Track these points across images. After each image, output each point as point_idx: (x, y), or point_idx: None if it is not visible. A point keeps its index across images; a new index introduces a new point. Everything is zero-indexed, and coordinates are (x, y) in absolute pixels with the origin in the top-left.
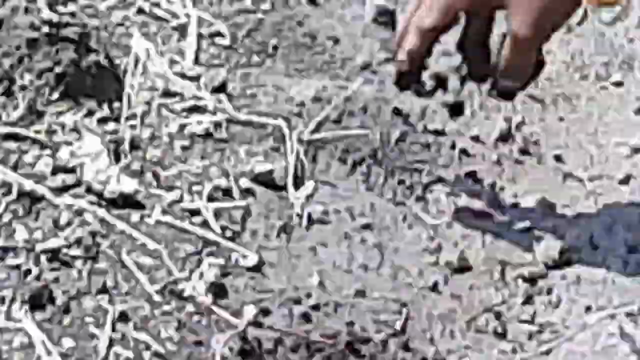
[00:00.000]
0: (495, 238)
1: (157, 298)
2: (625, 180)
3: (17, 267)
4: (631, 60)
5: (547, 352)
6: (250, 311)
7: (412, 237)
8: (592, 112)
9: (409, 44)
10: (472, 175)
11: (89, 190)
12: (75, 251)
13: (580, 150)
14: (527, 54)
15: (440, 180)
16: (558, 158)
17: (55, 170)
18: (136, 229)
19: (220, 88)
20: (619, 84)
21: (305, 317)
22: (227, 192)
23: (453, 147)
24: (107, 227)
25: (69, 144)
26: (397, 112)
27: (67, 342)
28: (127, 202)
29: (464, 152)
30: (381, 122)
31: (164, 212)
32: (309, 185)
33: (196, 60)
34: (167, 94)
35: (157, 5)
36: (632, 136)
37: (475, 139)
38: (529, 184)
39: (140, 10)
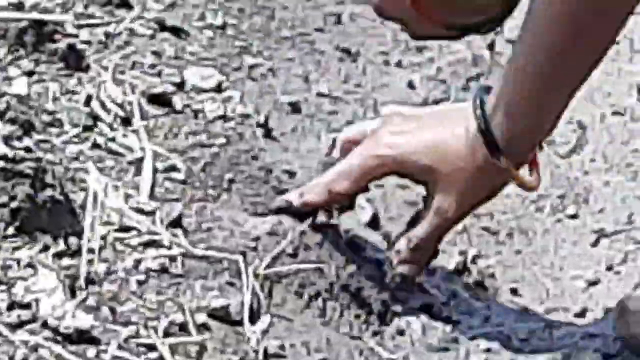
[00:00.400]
0: None
1: None
2: (582, 314)
3: None
4: (587, 193)
5: None
6: None
7: None
8: (548, 245)
9: (311, 198)
10: (427, 308)
11: (45, 325)
12: None
13: (536, 283)
14: (439, 239)
15: (396, 314)
16: (514, 291)
17: (11, 306)
18: None
19: (176, 222)
20: (574, 217)
21: None
22: (183, 327)
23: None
24: None
25: (24, 279)
26: (354, 246)
27: None
28: (83, 337)
29: (419, 285)
30: (337, 256)
31: (120, 347)
32: (264, 320)
33: (151, 195)
34: (122, 228)
35: (113, 139)
36: (588, 269)
37: (432, 272)
38: (484, 317)
39: (96, 145)
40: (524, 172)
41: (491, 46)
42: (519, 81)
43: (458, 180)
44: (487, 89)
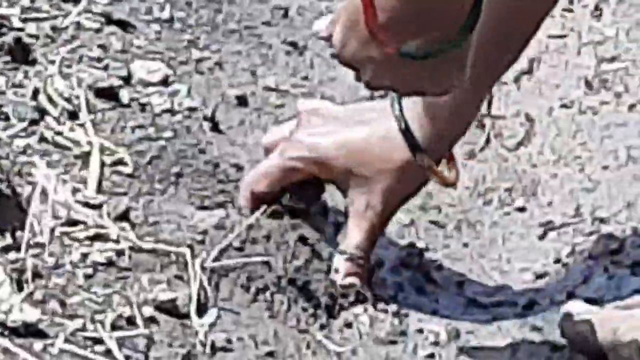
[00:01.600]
0: None
1: None
2: (529, 306)
3: None
4: (534, 186)
5: None
6: None
7: None
8: (495, 238)
9: (240, 199)
10: (375, 301)
11: None
12: None
13: (483, 276)
14: (371, 235)
15: (343, 307)
16: (461, 284)
17: None
18: (39, 358)
19: (123, 216)
20: (522, 210)
21: None
22: (130, 321)
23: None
24: (10, 356)
25: None
26: (301, 240)
27: None
28: (30, 331)
29: (368, 278)
30: (284, 249)
31: (67, 341)
32: (212, 313)
33: (99, 189)
34: (70, 222)
35: (60, 133)
36: (535, 262)
37: (380, 264)
38: (432, 310)
39: (43, 139)
40: (442, 168)
41: None
42: None
43: (379, 182)
44: None
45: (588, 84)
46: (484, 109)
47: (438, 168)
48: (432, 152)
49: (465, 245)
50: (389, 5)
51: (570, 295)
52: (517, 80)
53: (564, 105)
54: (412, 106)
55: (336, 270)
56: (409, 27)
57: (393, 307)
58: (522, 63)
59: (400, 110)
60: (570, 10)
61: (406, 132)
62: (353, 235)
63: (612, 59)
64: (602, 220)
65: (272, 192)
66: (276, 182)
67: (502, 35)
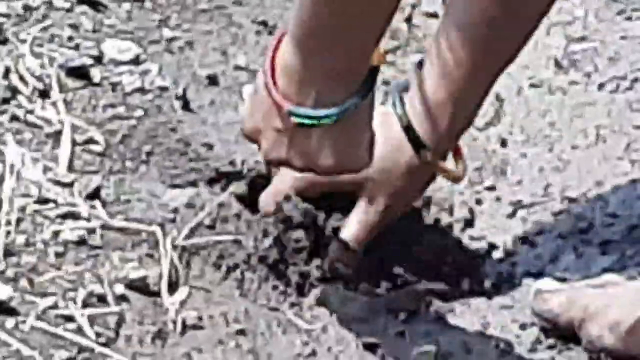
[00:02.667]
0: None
1: None
2: (499, 284)
3: None
4: (504, 165)
5: None
6: None
7: (286, 342)
8: (464, 217)
9: (264, 205)
10: (346, 280)
11: None
12: None
13: (453, 254)
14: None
15: (313, 286)
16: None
17: None
18: (11, 335)
19: (94, 194)
20: (491, 189)
21: None
22: (101, 299)
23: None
24: None
25: None
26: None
27: None
28: (1, 308)
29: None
30: (255, 227)
31: (39, 318)
32: (183, 291)
33: (70, 167)
34: (41, 200)
35: (31, 112)
36: (505, 241)
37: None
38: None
39: (14, 117)
40: (449, 162)
41: (409, 19)
42: (435, 78)
43: (385, 181)
44: (405, 88)
45: (557, 64)
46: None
47: (444, 163)
48: (436, 148)
49: (437, 220)
50: (287, 72)
51: (540, 274)
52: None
53: (533, 85)
54: (414, 105)
55: (332, 253)
56: (304, 93)
57: (364, 286)
58: None
59: (403, 108)
60: None
61: (408, 130)
62: (352, 227)
63: (581, 39)
64: (571, 200)
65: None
66: (301, 194)
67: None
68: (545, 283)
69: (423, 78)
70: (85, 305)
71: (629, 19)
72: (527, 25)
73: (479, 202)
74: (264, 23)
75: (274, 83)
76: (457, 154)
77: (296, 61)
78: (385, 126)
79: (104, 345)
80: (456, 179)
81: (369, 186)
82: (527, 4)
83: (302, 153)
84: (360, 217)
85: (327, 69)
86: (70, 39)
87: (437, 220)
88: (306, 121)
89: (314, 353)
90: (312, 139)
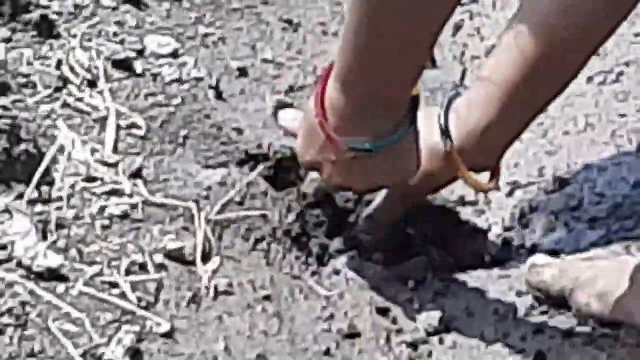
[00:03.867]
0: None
1: None
2: (498, 257)
3: None
4: None
5: None
6: None
7: (307, 307)
8: (465, 195)
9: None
10: (361, 251)
11: (19, 264)
12: (7, 320)
13: (459, 228)
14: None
15: (332, 256)
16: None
17: None
18: (61, 300)
19: (136, 174)
20: None
21: None
22: (142, 267)
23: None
24: (35, 297)
25: (1, 223)
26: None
27: None
28: (53, 275)
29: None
30: (280, 204)
31: (86, 284)
32: (215, 261)
33: (115, 149)
34: (89, 179)
35: (80, 100)
36: (503, 217)
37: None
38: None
39: (65, 104)
40: (483, 176)
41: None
42: (488, 99)
43: (417, 177)
44: (457, 94)
45: None
46: (457, 80)
47: (470, 172)
48: (465, 150)
49: (445, 201)
50: (337, 110)
51: (534, 247)
52: (487, 54)
53: None
54: (461, 112)
55: (357, 225)
56: (355, 126)
57: (377, 256)
58: (491, 40)
59: (447, 109)
60: None
61: (441, 120)
62: (382, 204)
63: None
64: (562, 180)
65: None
66: (367, 186)
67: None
68: (539, 258)
69: (477, 97)
70: (127, 272)
71: None
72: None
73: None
74: (289, 21)
75: (326, 120)
76: (495, 171)
77: (345, 100)
78: (426, 125)
79: (144, 308)
80: (482, 190)
81: None
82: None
83: (361, 177)
84: (388, 199)
85: (375, 104)
86: (115, 34)
87: (445, 201)
88: (362, 153)
89: (331, 316)
90: (368, 165)
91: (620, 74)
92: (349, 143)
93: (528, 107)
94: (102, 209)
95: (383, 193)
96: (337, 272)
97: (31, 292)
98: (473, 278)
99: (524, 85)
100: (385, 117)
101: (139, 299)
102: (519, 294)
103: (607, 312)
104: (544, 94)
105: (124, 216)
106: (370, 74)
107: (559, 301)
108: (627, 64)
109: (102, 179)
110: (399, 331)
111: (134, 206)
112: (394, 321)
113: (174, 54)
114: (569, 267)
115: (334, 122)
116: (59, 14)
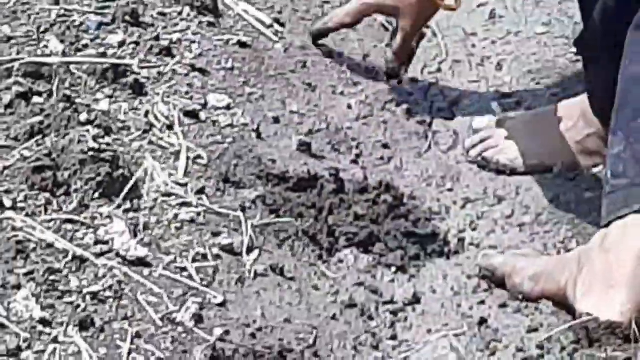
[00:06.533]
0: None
1: (159, 323)
2: (457, 249)
3: (71, 303)
4: (458, 174)
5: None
6: (218, 332)
7: (320, 285)
8: (432, 207)
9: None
10: (359, 245)
11: (117, 255)
12: (108, 293)
13: (423, 226)
14: (410, 44)
15: (338, 250)
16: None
17: (97, 242)
18: (146, 279)
19: (200, 191)
20: (450, 190)
21: (253, 336)
22: (204, 256)
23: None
24: (127, 278)
25: (105, 225)
26: (308, 206)
27: (102, 350)
28: (141, 262)
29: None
30: (303, 211)
31: (164, 269)
32: (255, 253)
33: (185, 173)
34: (166, 194)
35: (161, 139)
36: (459, 225)
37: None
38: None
39: (151, 142)
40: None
41: None
42: None
43: (411, 11)
44: None
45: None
46: (427, 126)
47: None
48: None
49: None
50: None
51: (479, 245)
52: (451, 107)
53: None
54: None
55: (387, 52)
56: None
57: (370, 248)
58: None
59: None
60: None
61: None
62: (397, 38)
63: None
64: (500, 197)
65: (353, 20)
66: (355, 15)
67: None
68: (486, 252)
69: None
70: (194, 260)
71: None
72: None
73: (442, 199)
74: (309, 84)
75: None
76: None
77: None
78: None
79: (205, 286)
80: (451, 9)
81: (400, 14)
82: None
83: None
84: (398, 35)
85: None
86: (187, 93)
87: (421, 213)
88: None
89: (337, 292)
90: None
91: None
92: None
93: None
94: (176, 216)
95: (397, 35)
96: (341, 261)
97: (125, 274)
98: (437, 265)
99: None
100: None
101: (202, 279)
102: (469, 277)
103: (535, 289)
104: None
105: (191, 221)
106: None
107: (499, 281)
108: None
109: (176, 195)
110: (385, 303)
111: (198, 214)
112: (381, 296)
113: (228, 107)
114: (509, 257)
115: None
116: (147, 78)
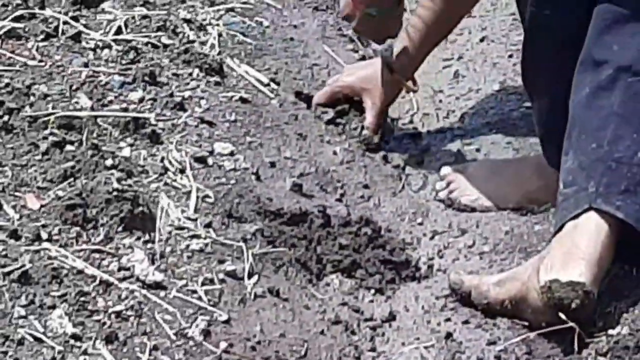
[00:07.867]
0: None
1: (173, 337)
2: (430, 271)
3: (98, 320)
4: (427, 211)
5: None
6: (223, 345)
7: (310, 305)
8: (406, 238)
9: (316, 99)
10: (343, 271)
11: (137, 279)
12: (129, 312)
13: (397, 253)
14: (380, 118)
15: (325, 275)
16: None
17: (120, 269)
18: (162, 300)
19: (209, 224)
20: (421, 224)
21: (253, 348)
22: (211, 281)
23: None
24: (146, 299)
25: (127, 254)
26: (300, 238)
27: None
28: (157, 285)
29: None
30: (295, 242)
31: (178, 291)
32: (255, 278)
33: (195, 210)
34: (179, 228)
35: (175, 180)
36: (433, 251)
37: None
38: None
39: (166, 183)
40: (409, 84)
41: None
42: (408, 37)
43: (378, 92)
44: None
45: None
46: (400, 169)
47: (407, 83)
48: (403, 74)
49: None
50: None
51: (445, 270)
52: (421, 153)
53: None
54: (397, 51)
55: (361, 129)
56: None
57: (352, 273)
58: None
59: (390, 55)
60: None
61: (389, 64)
62: (368, 117)
63: None
64: (463, 230)
65: (331, 100)
66: (331, 96)
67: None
68: (460, 272)
69: (401, 39)
70: (202, 284)
71: None
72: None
73: (414, 231)
74: (300, 134)
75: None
76: (413, 80)
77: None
78: (379, 67)
79: (212, 306)
80: (412, 91)
81: (367, 94)
82: None
83: (369, 29)
84: (369, 113)
85: None
86: (196, 141)
87: (397, 243)
88: (370, 15)
89: (324, 311)
90: (373, 22)
91: None
92: (364, 10)
93: (434, 42)
94: (187, 246)
95: (366, 112)
96: (328, 284)
97: (144, 296)
98: (410, 288)
99: (434, 28)
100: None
101: (209, 300)
102: (437, 298)
103: (499, 295)
104: (443, 33)
105: (201, 250)
106: None
107: (466, 293)
108: None
109: (187, 228)
110: (366, 320)
111: (207, 244)
112: (362, 314)
113: (231, 154)
114: (474, 277)
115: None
116: (163, 129)
